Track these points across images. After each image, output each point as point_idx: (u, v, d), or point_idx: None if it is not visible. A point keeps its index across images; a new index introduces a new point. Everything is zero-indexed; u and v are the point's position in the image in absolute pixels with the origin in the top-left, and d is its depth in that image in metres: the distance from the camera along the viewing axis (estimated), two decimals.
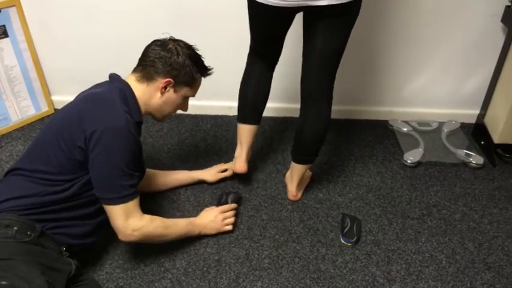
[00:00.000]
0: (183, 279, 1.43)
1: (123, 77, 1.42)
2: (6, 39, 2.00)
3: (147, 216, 1.36)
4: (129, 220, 1.30)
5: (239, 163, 1.73)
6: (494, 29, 1.98)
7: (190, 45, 1.45)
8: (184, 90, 1.45)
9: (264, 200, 1.75)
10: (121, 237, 1.33)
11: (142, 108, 1.40)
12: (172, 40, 1.43)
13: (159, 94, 1.41)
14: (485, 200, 1.78)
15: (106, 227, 1.37)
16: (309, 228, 1.63)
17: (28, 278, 1.06)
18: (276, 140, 2.09)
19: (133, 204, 1.30)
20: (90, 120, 1.25)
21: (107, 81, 1.43)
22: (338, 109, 2.21)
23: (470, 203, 1.76)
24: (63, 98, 2.25)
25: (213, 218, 1.57)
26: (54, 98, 2.26)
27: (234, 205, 1.65)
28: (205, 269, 1.46)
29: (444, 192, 1.81)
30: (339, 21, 1.37)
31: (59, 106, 2.27)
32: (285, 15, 1.42)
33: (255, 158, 1.94)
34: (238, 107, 1.69)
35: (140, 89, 1.39)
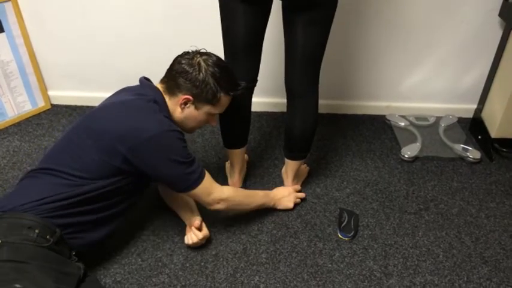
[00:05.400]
0: (181, 274, 1.43)
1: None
2: (2, 34, 1.99)
3: (228, 187, 1.48)
4: (212, 195, 1.41)
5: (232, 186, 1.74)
6: (492, 23, 1.98)
7: (221, 62, 1.40)
8: (207, 108, 1.41)
9: None
10: (209, 208, 1.45)
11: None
12: (201, 54, 1.38)
13: (179, 109, 1.39)
14: (482, 194, 1.79)
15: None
16: (306, 223, 1.63)
17: (41, 284, 1.08)
18: (273, 135, 2.09)
19: (207, 181, 1.39)
20: (134, 131, 1.27)
21: (138, 87, 1.42)
22: (335, 104, 2.22)
23: (467, 197, 1.77)
24: (60, 93, 2.25)
25: (287, 195, 1.68)
26: (50, 93, 2.26)
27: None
28: (202, 263, 1.47)
29: (441, 187, 1.81)
30: (315, 14, 1.35)
31: (56, 101, 2.27)
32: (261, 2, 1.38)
33: (252, 153, 1.94)
34: (222, 133, 1.65)
35: (166, 100, 1.39)
